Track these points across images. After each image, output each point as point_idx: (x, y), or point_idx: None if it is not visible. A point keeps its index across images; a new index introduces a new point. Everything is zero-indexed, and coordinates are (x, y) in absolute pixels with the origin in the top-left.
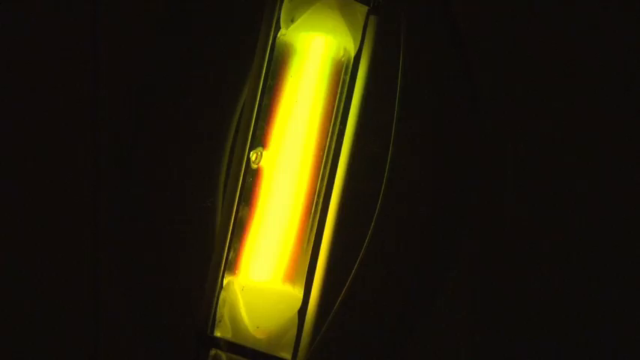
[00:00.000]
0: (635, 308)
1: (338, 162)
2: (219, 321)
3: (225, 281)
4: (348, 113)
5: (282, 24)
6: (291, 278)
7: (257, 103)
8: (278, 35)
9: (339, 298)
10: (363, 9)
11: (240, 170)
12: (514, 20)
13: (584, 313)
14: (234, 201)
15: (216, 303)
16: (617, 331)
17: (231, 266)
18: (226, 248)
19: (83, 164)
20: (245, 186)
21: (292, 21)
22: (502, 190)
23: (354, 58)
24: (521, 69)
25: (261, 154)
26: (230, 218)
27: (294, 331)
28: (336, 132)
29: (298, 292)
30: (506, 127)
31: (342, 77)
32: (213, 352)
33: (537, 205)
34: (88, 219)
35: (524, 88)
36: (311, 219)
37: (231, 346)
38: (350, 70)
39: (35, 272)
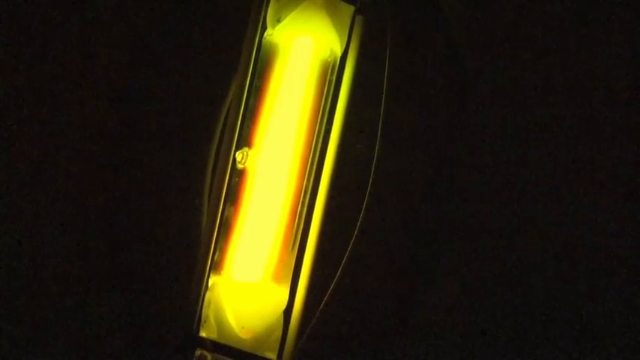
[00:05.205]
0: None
1: (324, 162)
2: (205, 321)
3: (210, 281)
4: (334, 113)
5: (268, 24)
6: (277, 278)
7: (243, 103)
8: (264, 35)
9: (325, 298)
10: (349, 9)
11: (226, 170)
12: (503, 19)
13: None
14: (219, 201)
15: (202, 303)
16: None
17: (217, 266)
18: (212, 248)
19: (71, 165)
20: (231, 186)
21: (279, 21)
22: (491, 185)
23: (341, 58)
24: (511, 67)
25: (247, 154)
26: (216, 218)
27: (280, 331)
28: (323, 132)
29: (284, 293)
30: (492, 122)
31: (329, 77)
32: (198, 352)
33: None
34: (77, 220)
35: (516, 87)
36: (297, 219)
37: (217, 346)
38: (336, 70)
39: (28, 271)
